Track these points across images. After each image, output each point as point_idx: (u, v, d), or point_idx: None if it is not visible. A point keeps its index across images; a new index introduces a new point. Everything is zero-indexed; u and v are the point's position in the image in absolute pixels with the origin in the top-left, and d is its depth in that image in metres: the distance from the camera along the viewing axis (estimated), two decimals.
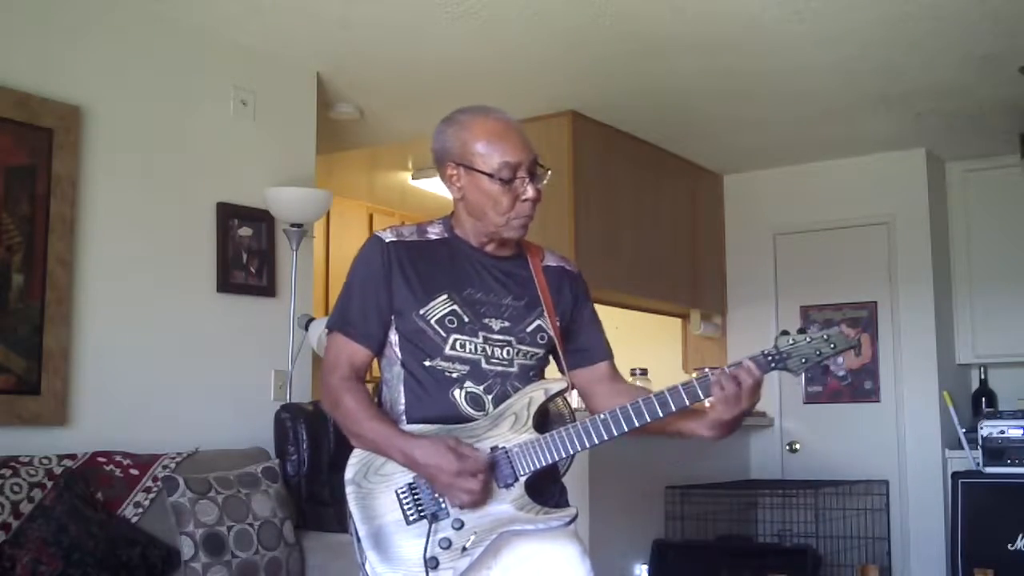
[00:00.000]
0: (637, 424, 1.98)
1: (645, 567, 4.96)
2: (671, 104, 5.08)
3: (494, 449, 1.98)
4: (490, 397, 2.04)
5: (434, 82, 4.67)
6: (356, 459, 2.04)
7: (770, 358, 1.98)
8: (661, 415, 1.98)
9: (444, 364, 2.04)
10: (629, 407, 1.98)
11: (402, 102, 4.98)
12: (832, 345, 1.97)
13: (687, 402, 1.98)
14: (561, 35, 4.18)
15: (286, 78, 4.42)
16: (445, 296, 2.06)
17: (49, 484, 3.08)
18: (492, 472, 1.96)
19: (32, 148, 3.45)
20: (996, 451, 4.94)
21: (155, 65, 3.90)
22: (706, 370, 2.00)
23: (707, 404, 2.04)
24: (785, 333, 2.00)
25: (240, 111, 4.18)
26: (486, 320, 2.07)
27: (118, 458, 3.35)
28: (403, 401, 2.06)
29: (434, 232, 2.16)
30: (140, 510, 3.27)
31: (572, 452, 1.99)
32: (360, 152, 5.87)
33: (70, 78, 3.61)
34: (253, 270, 4.15)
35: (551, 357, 2.18)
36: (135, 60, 3.84)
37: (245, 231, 4.13)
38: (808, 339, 1.98)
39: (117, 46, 3.79)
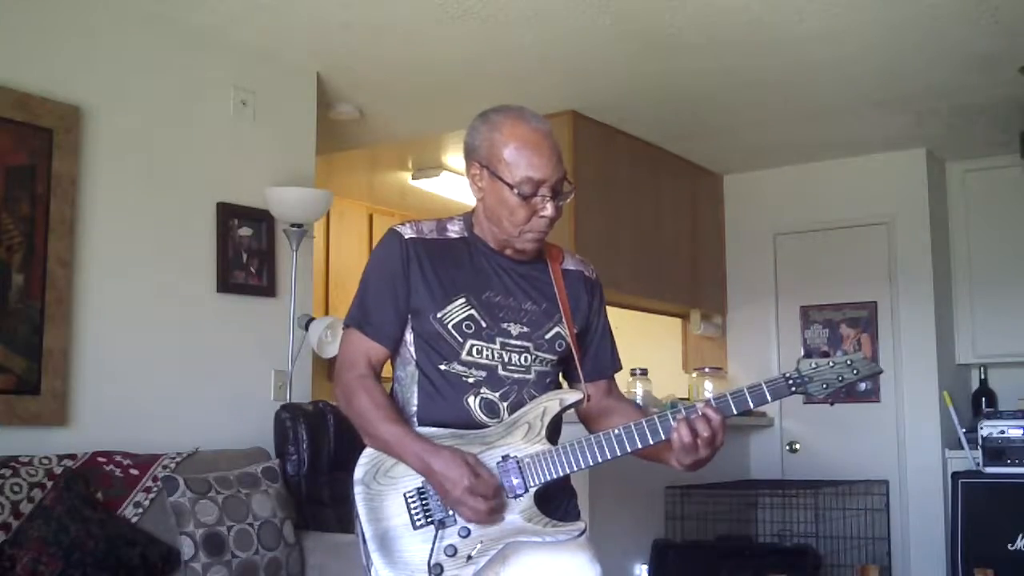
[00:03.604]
0: (652, 442, 1.95)
1: (645, 567, 4.96)
2: (671, 104, 5.08)
3: (505, 458, 1.95)
4: (506, 404, 2.01)
5: (434, 82, 4.67)
6: (366, 459, 2.01)
7: (791, 382, 1.93)
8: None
9: (460, 369, 2.01)
10: (645, 425, 1.94)
11: (402, 102, 4.98)
12: (855, 371, 1.93)
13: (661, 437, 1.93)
14: (561, 35, 4.18)
15: (286, 78, 4.41)
16: (463, 300, 2.02)
17: (49, 484, 3.08)
18: (502, 488, 1.93)
19: (32, 148, 3.45)
20: (996, 451, 4.94)
21: (155, 65, 3.90)
22: (680, 407, 1.96)
23: None
24: (808, 356, 1.96)
25: (240, 111, 4.18)
26: (504, 325, 2.03)
27: (118, 458, 3.34)
28: (416, 402, 2.04)
29: (454, 230, 2.11)
30: (140, 510, 3.27)
31: (584, 466, 1.95)
32: (360, 152, 5.86)
33: (70, 78, 3.61)
34: (253, 270, 4.15)
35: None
36: (135, 60, 3.84)
37: (245, 231, 4.13)
38: (831, 364, 1.93)
39: (117, 46, 3.79)
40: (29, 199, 3.43)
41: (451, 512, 1.94)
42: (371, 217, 6.74)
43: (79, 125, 3.60)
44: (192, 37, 4.03)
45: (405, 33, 4.14)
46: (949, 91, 4.85)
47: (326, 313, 5.83)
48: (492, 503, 1.90)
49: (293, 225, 4.16)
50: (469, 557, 1.92)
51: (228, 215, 4.08)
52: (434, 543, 1.92)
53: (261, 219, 4.18)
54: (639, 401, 5.08)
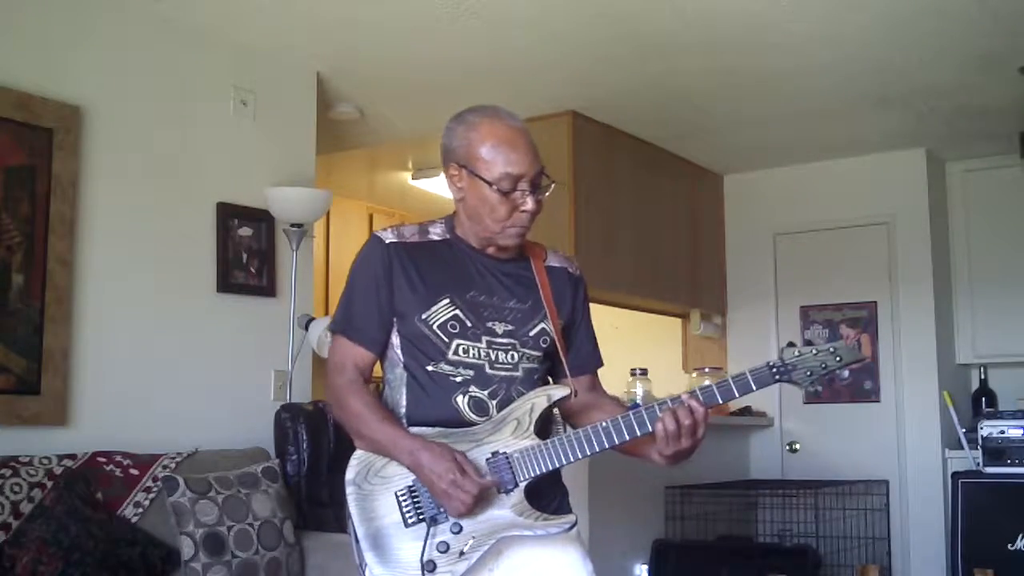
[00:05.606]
0: (639, 434, 1.97)
1: (645, 567, 4.96)
2: (671, 104, 5.08)
3: (495, 454, 1.97)
4: (494, 402, 2.03)
5: (434, 82, 4.67)
6: (357, 460, 2.03)
7: (775, 370, 1.95)
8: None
9: (447, 369, 2.03)
10: (632, 417, 1.96)
11: (402, 102, 4.98)
12: (838, 358, 1.94)
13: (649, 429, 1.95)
14: (561, 35, 4.18)
15: (286, 78, 4.42)
16: (447, 300, 2.04)
17: (49, 484, 3.08)
18: (494, 479, 1.95)
19: (32, 148, 3.45)
20: (996, 451, 4.94)
21: (155, 65, 3.90)
22: (672, 398, 1.97)
23: None
24: (791, 345, 1.97)
25: (240, 111, 4.18)
26: (489, 323, 2.05)
27: (118, 458, 3.35)
28: (405, 403, 2.06)
29: (436, 232, 2.14)
30: (140, 510, 3.27)
31: (573, 459, 1.97)
32: (360, 152, 5.87)
33: (70, 78, 3.61)
34: (253, 270, 4.15)
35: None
36: (135, 60, 3.84)
37: (245, 231, 4.13)
38: (814, 351, 1.95)
39: (117, 46, 3.79)
40: (29, 199, 3.43)
41: (442, 509, 1.95)
42: (371, 217, 6.75)
43: (79, 125, 3.60)
44: (192, 37, 4.03)
45: (405, 33, 4.14)
46: (949, 91, 4.85)
47: (326, 313, 5.82)
48: (477, 496, 1.91)
49: (293, 225, 4.16)
50: (462, 553, 1.94)
51: (228, 215, 4.08)
52: (426, 540, 1.94)
53: (261, 219, 4.18)
54: (639, 401, 5.08)
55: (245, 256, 4.13)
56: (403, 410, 2.05)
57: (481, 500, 1.93)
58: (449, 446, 1.96)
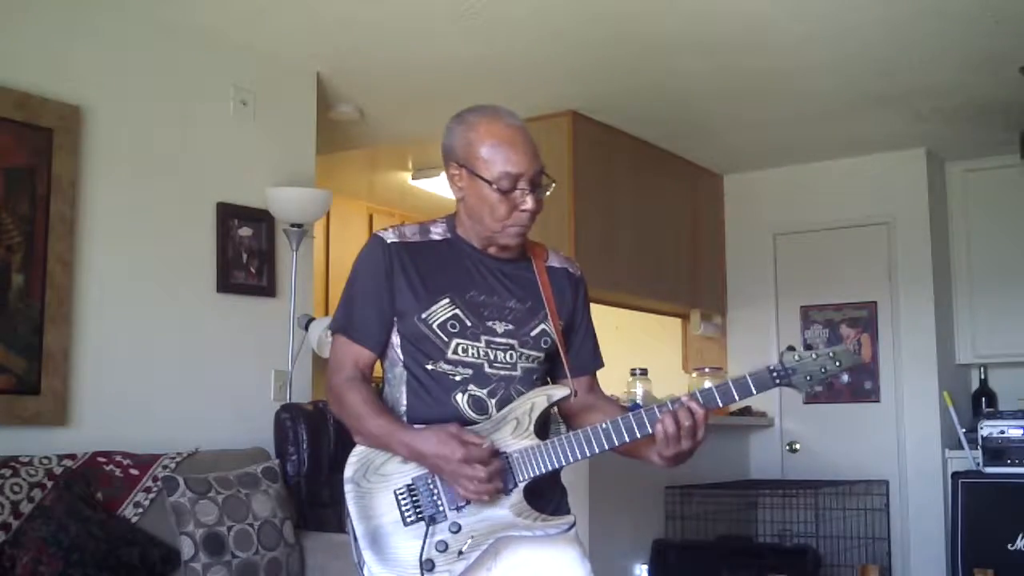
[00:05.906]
0: (639, 435, 1.97)
1: (645, 567, 4.96)
2: (671, 104, 5.08)
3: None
4: (493, 401, 2.03)
5: (434, 82, 4.67)
6: (356, 458, 2.03)
7: (775, 374, 1.96)
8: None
9: (447, 368, 2.03)
10: (632, 418, 1.96)
11: (402, 102, 4.98)
12: (838, 363, 1.95)
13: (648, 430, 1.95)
14: (561, 35, 4.18)
15: (286, 78, 4.42)
16: (447, 300, 2.05)
17: (49, 484, 3.08)
18: (497, 452, 1.94)
19: (32, 148, 3.45)
20: (996, 451, 4.94)
21: (155, 65, 3.90)
22: (670, 401, 1.98)
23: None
24: (791, 349, 1.98)
25: (240, 111, 4.18)
26: (489, 323, 2.06)
27: (118, 458, 3.35)
28: (405, 402, 2.06)
29: (437, 232, 2.14)
30: (140, 510, 3.27)
31: (573, 460, 1.97)
32: (360, 152, 5.87)
33: (70, 78, 3.61)
34: (253, 270, 4.15)
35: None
36: (135, 60, 3.84)
37: (245, 231, 4.13)
38: (814, 356, 1.96)
39: (117, 46, 3.79)
40: (29, 199, 3.43)
41: (441, 508, 1.96)
42: (371, 217, 6.75)
43: (79, 125, 3.60)
44: (192, 37, 4.03)
45: (405, 33, 4.14)
46: (949, 91, 4.85)
47: (326, 313, 5.82)
48: (491, 468, 1.91)
49: (293, 225, 4.16)
50: (460, 552, 1.94)
51: (228, 215, 4.08)
52: (425, 539, 1.94)
53: (261, 219, 4.18)
54: (639, 401, 5.08)
55: (245, 256, 4.13)
56: (403, 408, 2.06)
57: (495, 478, 1.91)
58: (444, 426, 1.95)
